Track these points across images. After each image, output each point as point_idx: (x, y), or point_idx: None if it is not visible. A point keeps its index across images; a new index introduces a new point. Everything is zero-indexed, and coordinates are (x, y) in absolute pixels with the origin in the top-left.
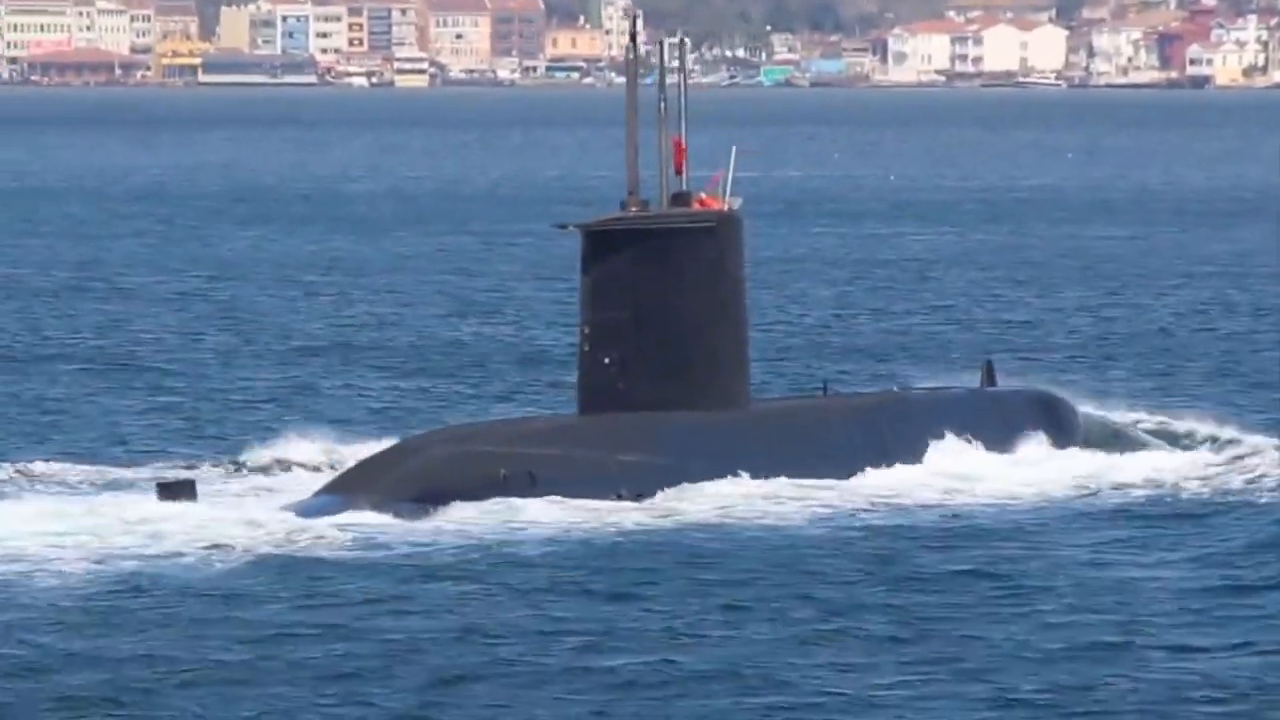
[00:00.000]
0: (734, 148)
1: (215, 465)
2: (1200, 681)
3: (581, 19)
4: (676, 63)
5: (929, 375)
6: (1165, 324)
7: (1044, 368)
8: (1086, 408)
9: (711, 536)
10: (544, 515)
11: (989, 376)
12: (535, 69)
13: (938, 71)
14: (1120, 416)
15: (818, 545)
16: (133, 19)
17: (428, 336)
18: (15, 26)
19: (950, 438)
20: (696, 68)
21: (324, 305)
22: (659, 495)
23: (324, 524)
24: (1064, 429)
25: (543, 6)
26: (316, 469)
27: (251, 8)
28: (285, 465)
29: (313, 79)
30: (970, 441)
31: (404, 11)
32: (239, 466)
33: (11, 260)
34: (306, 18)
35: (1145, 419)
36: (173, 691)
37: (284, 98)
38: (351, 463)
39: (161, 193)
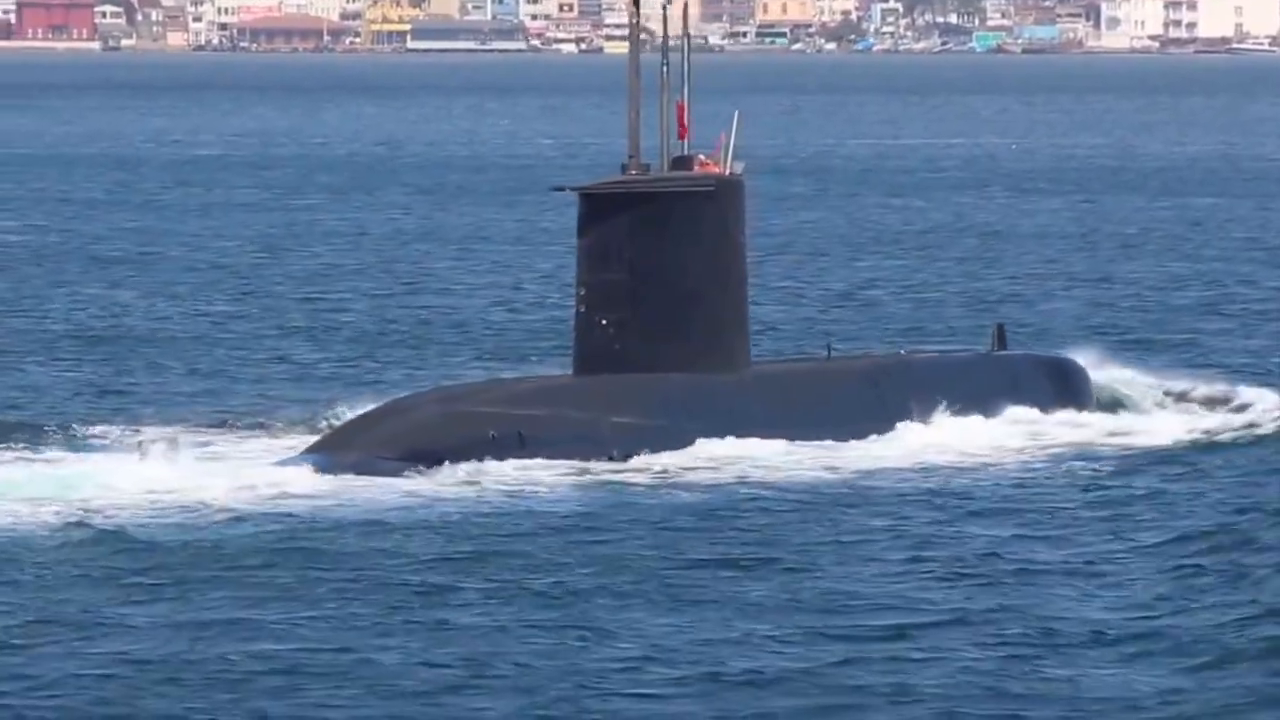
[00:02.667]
0: (736, 112)
1: (208, 425)
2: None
3: None
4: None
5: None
6: None
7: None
8: (1108, 373)
9: (698, 497)
10: (528, 475)
11: (1000, 340)
12: (745, 35)
13: (1151, 37)
14: (1145, 384)
15: (803, 506)
16: None
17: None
18: None
19: (952, 401)
20: (908, 33)
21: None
22: (650, 456)
23: (310, 480)
24: (1073, 393)
25: None
26: (311, 430)
27: None
28: (275, 426)
29: (522, 45)
30: (972, 404)
31: None
32: (232, 426)
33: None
34: None
35: (1186, 388)
36: (151, 650)
37: (493, 64)
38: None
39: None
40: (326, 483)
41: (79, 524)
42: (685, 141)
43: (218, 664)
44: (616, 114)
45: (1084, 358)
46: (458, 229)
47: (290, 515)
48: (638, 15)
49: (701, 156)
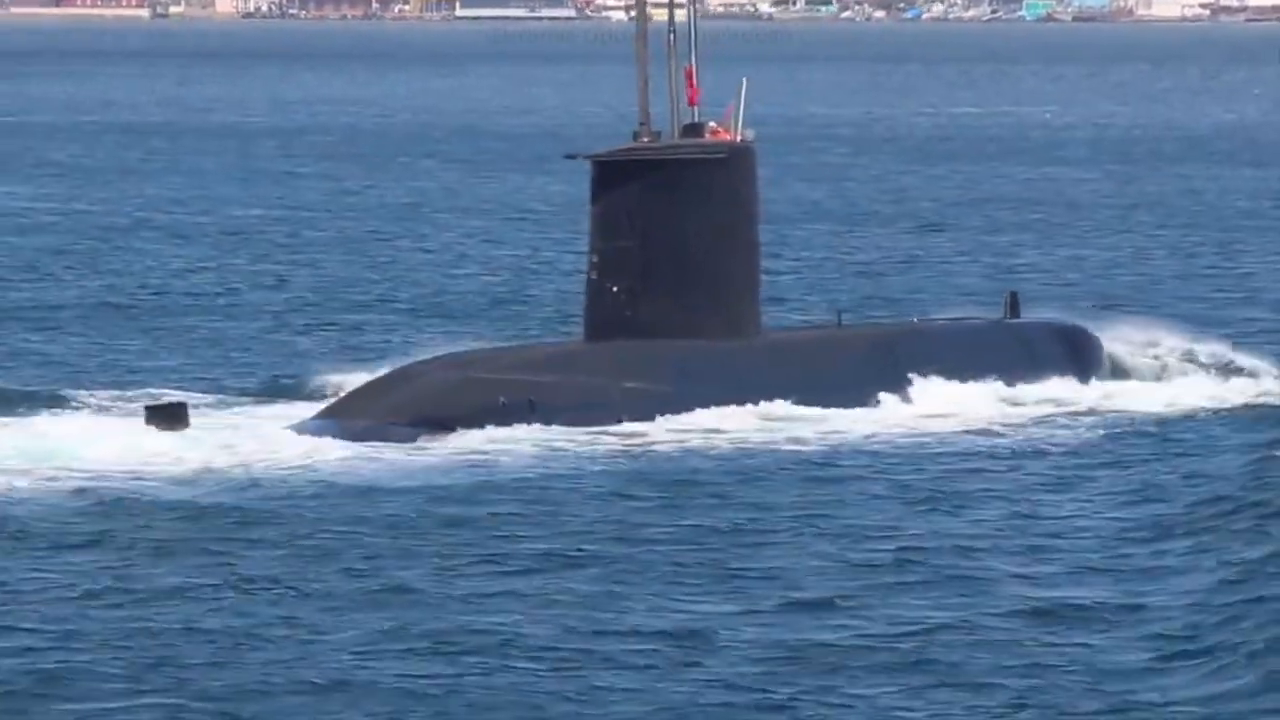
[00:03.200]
0: (744, 79)
1: (218, 392)
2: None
3: None
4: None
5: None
6: None
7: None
8: (1123, 340)
9: (705, 462)
10: (537, 441)
11: (1012, 308)
12: (794, 2)
13: (1201, 5)
14: (1161, 351)
15: (810, 471)
16: None
17: None
18: None
19: (962, 367)
20: (958, 1)
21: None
22: (660, 421)
23: (318, 445)
24: (1085, 360)
25: None
26: (320, 397)
27: None
28: (284, 393)
29: (571, 13)
30: (981, 371)
31: None
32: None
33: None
34: None
35: (1201, 356)
36: (159, 614)
37: (542, 31)
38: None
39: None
40: (335, 448)
41: (79, 490)
42: (695, 108)
43: (219, 631)
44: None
45: (1098, 325)
46: (483, 197)
47: (296, 480)
48: None
49: (712, 124)
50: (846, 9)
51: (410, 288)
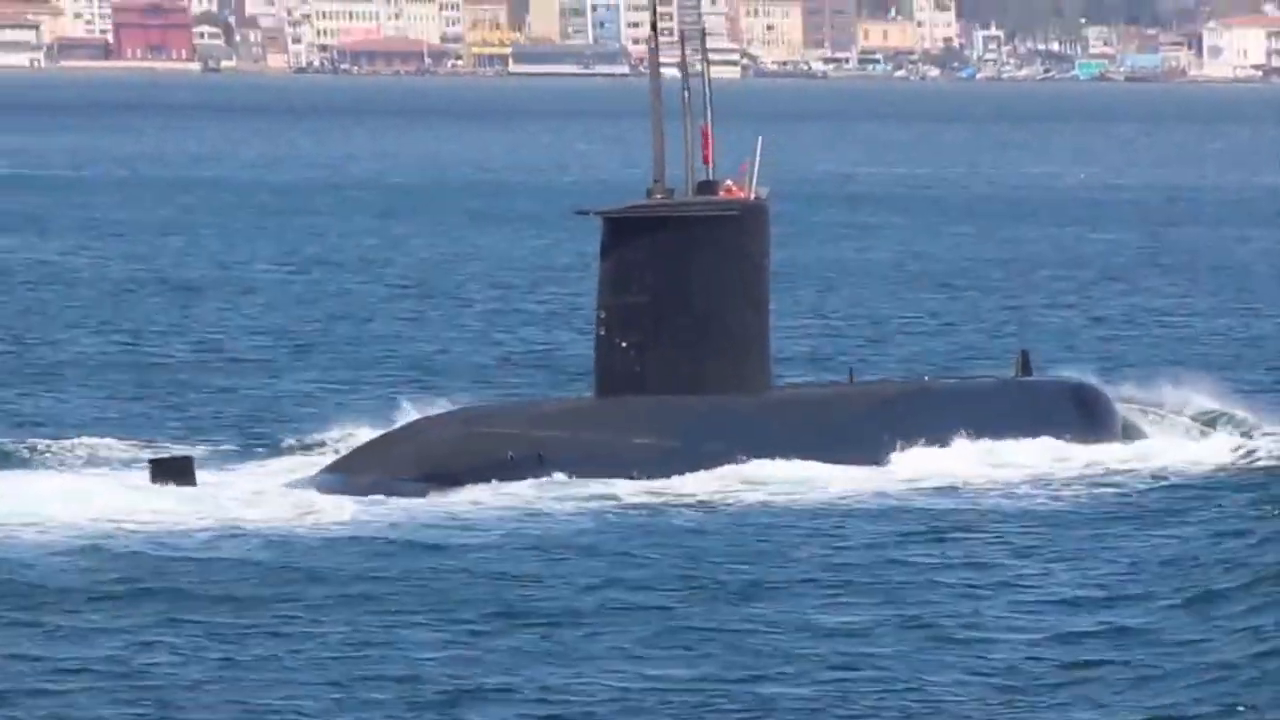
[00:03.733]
0: (759, 138)
1: (230, 445)
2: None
3: (893, 10)
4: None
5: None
6: None
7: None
8: (1135, 400)
9: (716, 518)
10: (545, 496)
11: (1024, 366)
12: (846, 61)
13: (1254, 66)
14: (1174, 411)
15: (818, 526)
16: (441, 7)
17: None
18: (325, 14)
19: (970, 426)
20: (1011, 60)
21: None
22: (670, 477)
23: (325, 500)
24: (1095, 420)
25: None
26: (335, 450)
27: None
28: (304, 446)
29: (625, 69)
30: (990, 430)
31: (714, 1)
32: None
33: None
34: (617, 6)
35: (1210, 412)
36: (164, 664)
37: (597, 88)
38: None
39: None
40: (342, 502)
41: (85, 545)
42: (710, 165)
43: (220, 680)
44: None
45: (1110, 384)
46: (500, 253)
47: (301, 534)
48: (656, 42)
49: (729, 182)
50: (900, 68)
51: (423, 345)
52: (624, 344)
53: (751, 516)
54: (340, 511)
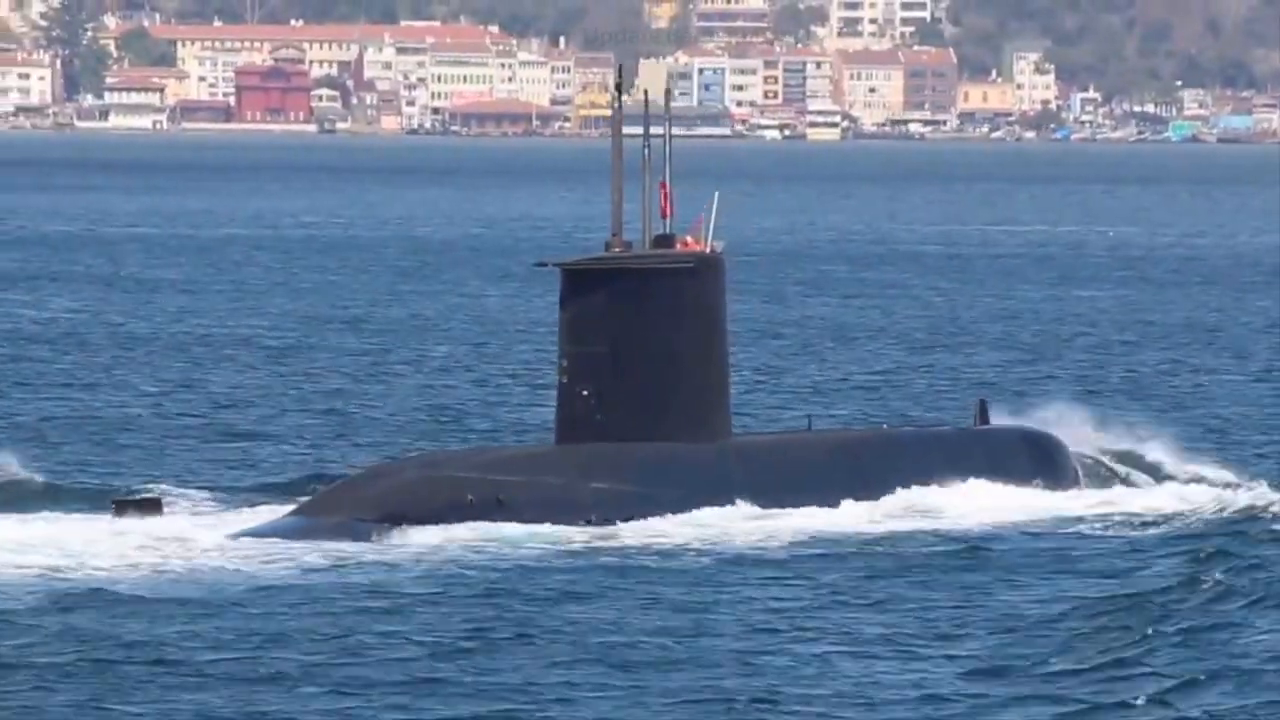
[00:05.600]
0: (715, 193)
1: (203, 488)
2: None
3: (994, 72)
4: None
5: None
6: None
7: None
8: (1094, 447)
9: (671, 562)
10: (502, 538)
11: (982, 415)
12: (945, 123)
13: None
14: (1125, 457)
15: (766, 573)
16: (553, 70)
17: None
18: (440, 77)
19: (926, 473)
20: (1106, 122)
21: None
22: (627, 522)
23: (284, 543)
24: (1051, 467)
25: (954, 60)
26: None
27: (669, 60)
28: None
29: (727, 131)
30: (945, 477)
31: (818, 65)
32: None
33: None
34: (723, 70)
35: (1164, 462)
36: (123, 703)
37: (695, 149)
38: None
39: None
40: (304, 545)
41: (55, 575)
42: (667, 220)
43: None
44: (821, 197)
45: (1070, 432)
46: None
47: (261, 573)
48: (619, 102)
49: (688, 238)
50: (998, 129)
51: (407, 398)
52: (584, 392)
53: (703, 559)
54: (301, 552)
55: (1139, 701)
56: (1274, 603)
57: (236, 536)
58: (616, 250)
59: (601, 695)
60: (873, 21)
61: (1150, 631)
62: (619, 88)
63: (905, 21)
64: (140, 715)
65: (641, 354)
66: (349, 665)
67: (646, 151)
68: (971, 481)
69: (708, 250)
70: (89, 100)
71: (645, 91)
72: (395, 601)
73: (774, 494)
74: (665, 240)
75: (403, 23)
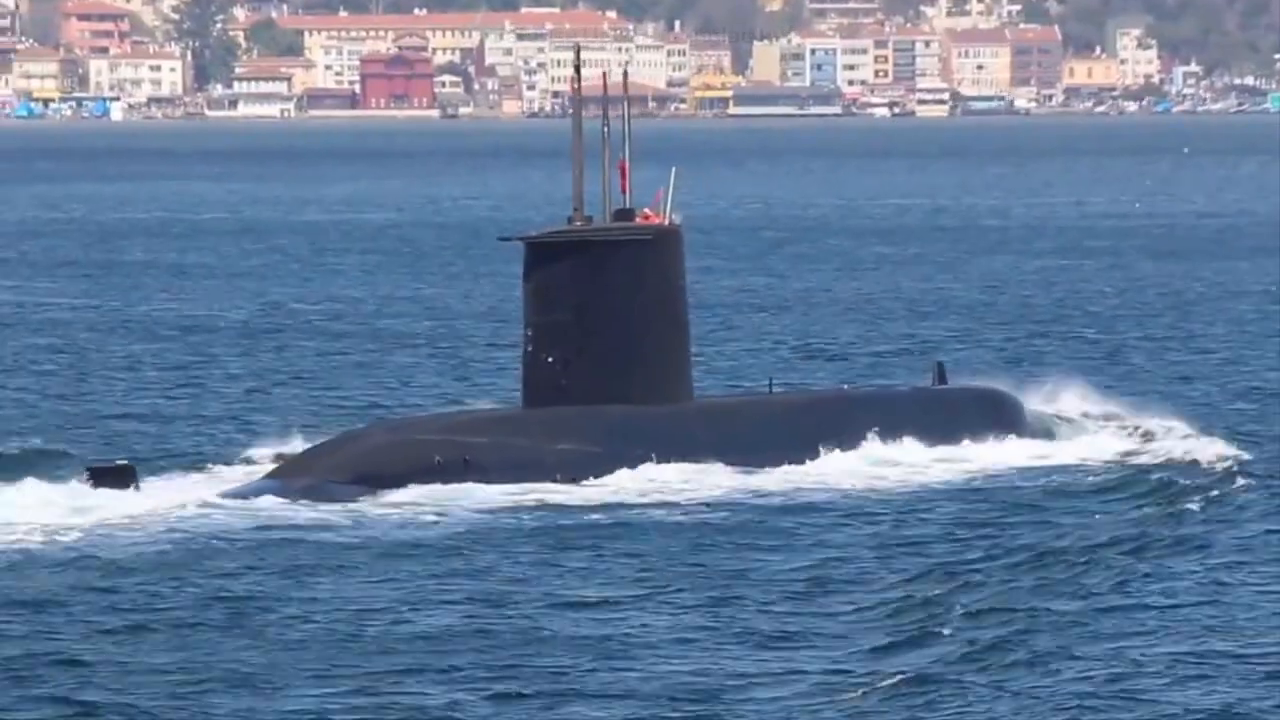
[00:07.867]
0: (674, 168)
1: (178, 454)
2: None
3: (1098, 48)
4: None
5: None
6: None
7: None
8: (1052, 405)
9: (632, 517)
10: (469, 497)
11: (939, 376)
12: (1052, 98)
13: None
14: (1076, 412)
15: (730, 526)
16: (669, 53)
17: None
18: (559, 62)
19: (884, 430)
20: (1207, 95)
21: None
22: (591, 481)
23: (258, 504)
24: (1007, 423)
25: (1060, 36)
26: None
27: (783, 42)
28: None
29: (838, 110)
30: (903, 433)
31: (927, 44)
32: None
33: None
34: (835, 50)
35: (1116, 415)
36: (107, 664)
37: (807, 127)
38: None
39: None
40: (275, 505)
41: (39, 542)
42: (626, 195)
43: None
44: (931, 173)
45: (1027, 391)
46: None
47: (233, 534)
48: (579, 84)
49: (647, 210)
50: (1101, 104)
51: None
52: (549, 359)
53: (667, 516)
54: (272, 512)
55: (1054, 648)
56: (1212, 550)
57: (211, 500)
58: (578, 224)
59: (574, 650)
60: (980, 0)
61: (1083, 581)
62: (578, 70)
63: (1012, 0)
64: (114, 673)
65: (604, 321)
66: (323, 623)
67: (606, 131)
68: (930, 436)
69: (666, 223)
70: (218, 90)
71: (604, 75)
72: (366, 560)
73: (735, 452)
74: (625, 214)
75: (523, 9)
